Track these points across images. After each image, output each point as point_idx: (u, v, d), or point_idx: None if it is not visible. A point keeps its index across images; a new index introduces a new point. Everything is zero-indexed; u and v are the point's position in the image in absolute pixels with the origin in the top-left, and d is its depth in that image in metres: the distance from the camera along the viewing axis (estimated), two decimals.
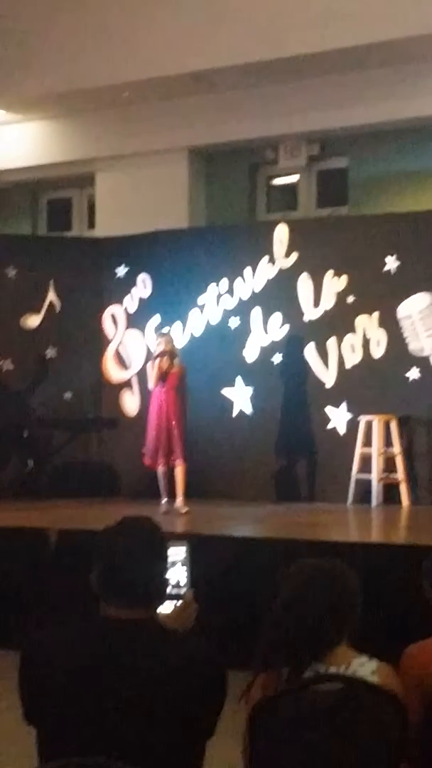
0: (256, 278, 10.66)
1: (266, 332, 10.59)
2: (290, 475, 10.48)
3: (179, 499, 9.30)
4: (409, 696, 3.05)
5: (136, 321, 11.24)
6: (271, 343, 10.57)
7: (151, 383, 9.62)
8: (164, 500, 9.44)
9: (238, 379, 10.64)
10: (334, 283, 10.31)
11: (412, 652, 3.30)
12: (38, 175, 12.74)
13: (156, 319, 11.04)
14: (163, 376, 9.39)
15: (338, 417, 10.24)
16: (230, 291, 10.77)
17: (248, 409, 10.65)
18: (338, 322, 10.28)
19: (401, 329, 10.00)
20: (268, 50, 10.26)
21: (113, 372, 11.36)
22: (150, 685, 2.72)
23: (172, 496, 9.42)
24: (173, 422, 9.32)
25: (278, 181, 12.27)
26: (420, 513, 9.39)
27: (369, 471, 9.78)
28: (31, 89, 11.49)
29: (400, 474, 9.77)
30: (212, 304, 10.84)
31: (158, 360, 9.47)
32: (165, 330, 10.22)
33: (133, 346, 11.24)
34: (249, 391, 10.63)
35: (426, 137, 10.85)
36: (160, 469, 9.47)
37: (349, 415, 10.15)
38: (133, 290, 11.24)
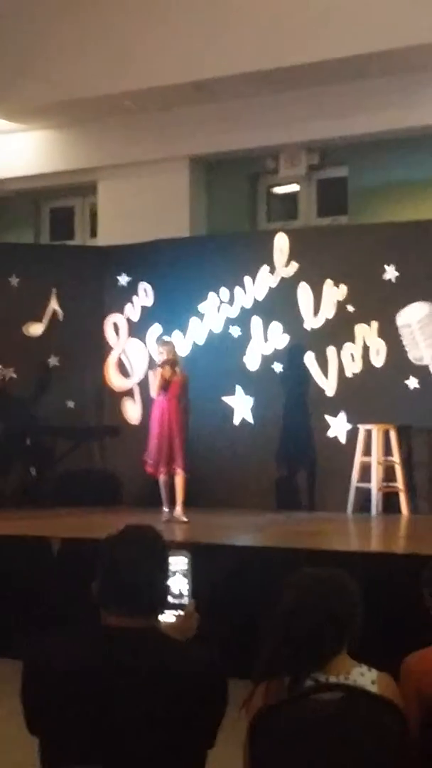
0: (256, 287, 10.69)
1: (266, 341, 10.62)
2: (291, 484, 10.50)
3: (178, 508, 9.32)
4: (409, 705, 3.07)
5: (137, 329, 11.26)
6: (272, 351, 10.59)
7: (153, 392, 9.63)
8: (166, 509, 9.46)
9: (239, 388, 10.66)
10: (333, 292, 10.33)
11: (411, 661, 3.32)
12: (40, 184, 12.78)
13: (157, 328, 11.07)
14: (165, 385, 9.41)
15: (338, 426, 10.25)
16: (231, 300, 10.80)
17: (249, 418, 10.67)
18: (338, 330, 10.30)
19: (401, 338, 10.02)
20: (269, 59, 10.30)
21: (115, 380, 11.38)
22: (151, 694, 2.73)
23: (173, 504, 9.43)
24: (174, 431, 9.33)
25: (278, 190, 12.31)
26: (419, 522, 9.40)
27: (369, 480, 9.79)
28: (33, 98, 11.53)
29: (400, 483, 9.79)
30: (213, 313, 10.87)
31: (160, 369, 9.48)
32: (167, 338, 10.23)
33: (134, 355, 11.27)
34: (249, 399, 10.64)
35: (426, 147, 10.87)
36: (162, 478, 9.50)
37: (348, 424, 10.17)
38: (135, 299, 11.27)
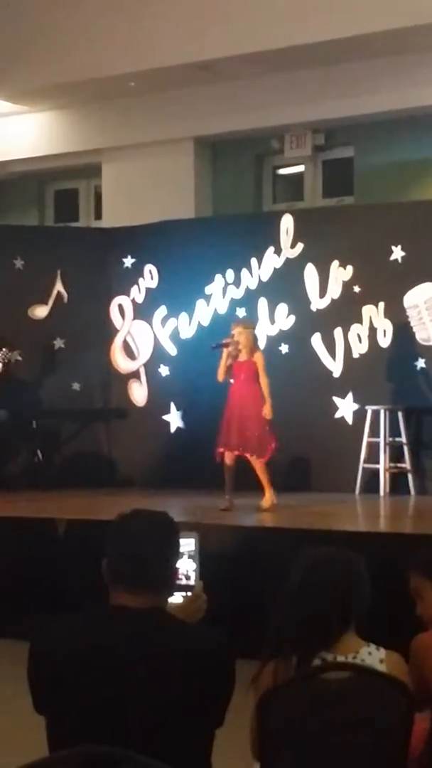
0: (262, 268, 10.66)
1: (273, 322, 10.59)
2: (298, 465, 10.47)
3: (266, 494, 8.82)
4: (417, 683, 3.07)
5: (143, 311, 11.25)
6: (278, 333, 10.57)
7: (220, 375, 8.98)
8: (227, 496, 8.89)
9: None
10: (340, 273, 10.30)
11: (421, 639, 3.32)
12: (45, 166, 12.75)
13: (163, 310, 11.05)
14: (230, 369, 8.86)
15: (345, 407, 10.24)
16: (237, 281, 10.77)
17: None
18: (345, 311, 10.27)
19: (408, 319, 10.00)
20: (274, 40, 10.23)
21: (121, 362, 11.37)
22: (159, 673, 2.73)
23: (235, 491, 8.93)
24: (248, 415, 8.81)
25: (284, 171, 12.26)
26: (427, 502, 9.41)
27: (376, 461, 9.79)
28: (37, 80, 11.48)
29: (407, 464, 9.78)
30: (219, 295, 10.85)
31: (230, 350, 8.87)
32: (243, 320, 9.71)
33: (140, 337, 11.26)
34: None
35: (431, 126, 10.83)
36: (226, 463, 8.92)
37: (356, 405, 10.16)
38: (140, 280, 11.24)
